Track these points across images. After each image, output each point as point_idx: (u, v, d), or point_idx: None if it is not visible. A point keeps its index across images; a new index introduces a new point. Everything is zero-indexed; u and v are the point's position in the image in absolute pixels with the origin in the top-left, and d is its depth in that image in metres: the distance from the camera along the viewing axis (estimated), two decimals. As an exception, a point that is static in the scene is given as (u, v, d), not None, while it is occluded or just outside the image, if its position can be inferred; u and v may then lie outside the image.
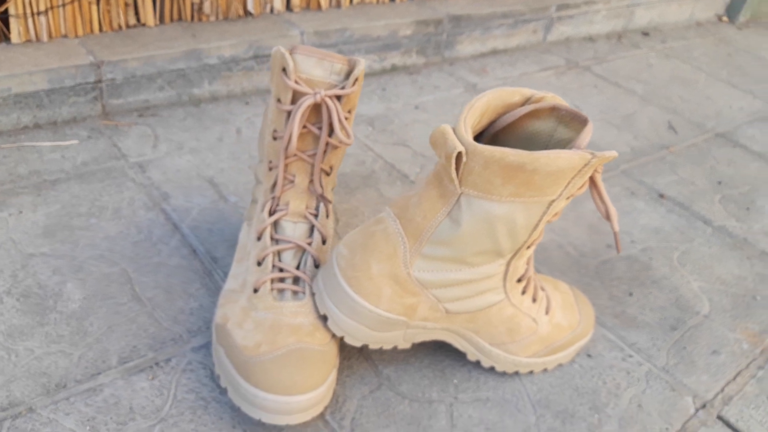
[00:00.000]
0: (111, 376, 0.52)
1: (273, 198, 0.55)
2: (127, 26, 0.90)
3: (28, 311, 0.57)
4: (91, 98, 0.82)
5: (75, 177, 0.73)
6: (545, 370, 0.60)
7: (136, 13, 0.90)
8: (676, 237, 0.81)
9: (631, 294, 0.71)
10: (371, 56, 1.07)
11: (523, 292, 0.53)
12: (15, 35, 0.81)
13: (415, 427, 0.53)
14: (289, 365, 0.47)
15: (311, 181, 0.55)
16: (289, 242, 0.54)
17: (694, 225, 0.84)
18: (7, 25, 0.82)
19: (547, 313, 0.57)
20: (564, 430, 0.55)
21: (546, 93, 0.46)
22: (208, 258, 0.65)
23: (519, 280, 0.52)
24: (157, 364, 0.54)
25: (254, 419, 0.51)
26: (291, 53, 0.52)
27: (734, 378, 0.62)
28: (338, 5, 1.08)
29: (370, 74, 1.09)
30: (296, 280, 0.53)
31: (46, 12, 0.81)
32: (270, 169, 0.56)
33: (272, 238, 0.54)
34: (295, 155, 0.54)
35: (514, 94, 0.45)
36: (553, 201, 0.44)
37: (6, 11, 0.81)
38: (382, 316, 0.49)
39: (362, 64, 0.52)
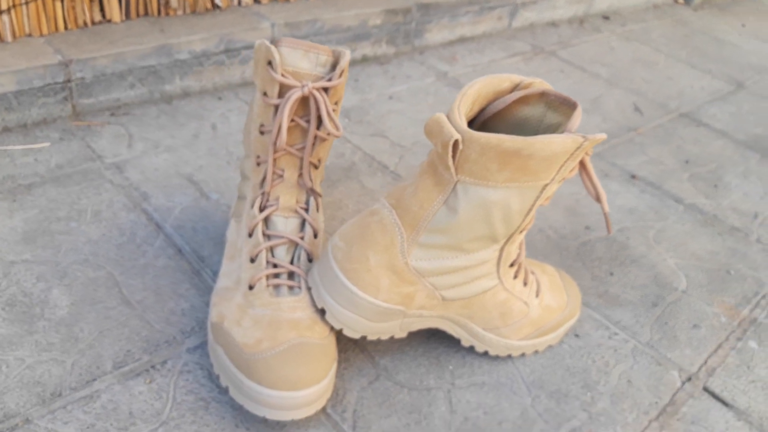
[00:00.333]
0: (107, 382, 0.52)
1: (263, 193, 0.55)
2: (93, 23, 0.88)
3: (15, 320, 0.55)
4: (60, 98, 0.80)
5: (50, 180, 0.71)
6: (536, 352, 0.61)
7: (101, 9, 0.88)
8: (651, 216, 0.84)
9: (612, 273, 0.73)
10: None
11: (515, 276, 0.54)
12: (-24, 36, 0.78)
13: (416, 415, 0.53)
14: (292, 360, 0.47)
15: (300, 175, 0.55)
16: (282, 237, 0.54)
17: (666, 204, 0.87)
18: (-33, 25, 0.79)
19: (537, 295, 0.58)
20: (559, 409, 0.56)
21: (534, 79, 0.47)
22: (195, 257, 0.65)
23: (511, 265, 0.53)
24: (153, 367, 0.53)
25: (258, 417, 0.50)
26: (276, 46, 0.52)
27: (715, 350, 0.65)
28: (306, -3, 1.07)
29: (341, 65, 1.09)
30: (291, 275, 0.53)
31: (8, 11, 0.79)
32: (258, 164, 0.55)
33: (264, 234, 0.54)
34: (284, 149, 0.54)
35: (503, 81, 0.46)
36: (546, 185, 0.45)
37: (-34, 11, 0.78)
38: (380, 307, 0.50)
39: (348, 55, 0.52)
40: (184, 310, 0.59)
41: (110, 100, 0.85)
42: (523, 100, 0.46)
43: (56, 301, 0.58)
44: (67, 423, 0.48)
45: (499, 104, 0.46)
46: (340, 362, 0.57)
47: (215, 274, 0.63)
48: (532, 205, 0.46)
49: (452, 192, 0.45)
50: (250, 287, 0.52)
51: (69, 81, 0.80)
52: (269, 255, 0.53)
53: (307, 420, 0.51)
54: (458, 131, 0.42)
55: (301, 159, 0.55)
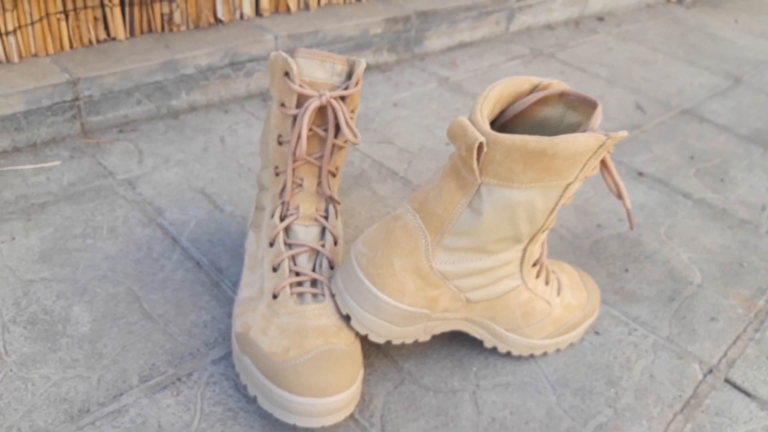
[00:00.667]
0: (134, 396, 0.52)
1: (283, 203, 0.55)
2: (98, 41, 0.88)
3: (38, 338, 0.55)
4: (69, 117, 0.80)
5: (64, 198, 0.72)
6: (558, 350, 0.61)
7: (106, 27, 0.89)
8: (661, 212, 0.84)
9: (627, 270, 0.73)
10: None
11: (537, 276, 0.55)
12: (-17, 57, 0.79)
13: (443, 418, 0.53)
14: (321, 367, 0.47)
15: (319, 184, 0.56)
16: (303, 246, 0.54)
17: (675, 199, 0.87)
18: (-26, 47, 0.79)
19: (558, 294, 0.58)
20: (584, 406, 0.56)
21: (551, 80, 0.47)
22: (213, 269, 0.65)
23: (534, 264, 0.53)
24: (179, 379, 0.53)
25: (288, 425, 0.50)
26: (292, 56, 0.52)
27: (734, 342, 0.65)
28: (307, 8, 1.08)
29: (343, 75, 1.09)
30: (314, 283, 0.54)
31: (14, 31, 0.79)
32: (277, 174, 0.56)
33: (285, 243, 0.54)
34: (303, 159, 0.54)
35: (523, 82, 0.46)
36: (569, 184, 0.45)
37: (-28, 33, 0.78)
38: (406, 311, 0.50)
39: (363, 64, 0.53)
40: (206, 322, 0.59)
41: (118, 116, 0.85)
42: (542, 101, 0.47)
43: (78, 318, 0.58)
44: (99, 439, 0.48)
45: (519, 106, 0.47)
46: (364, 368, 0.57)
47: (235, 285, 0.63)
48: (556, 204, 0.46)
49: (476, 194, 0.45)
50: (274, 296, 0.52)
51: (77, 99, 0.80)
52: (291, 263, 0.54)
53: (336, 426, 0.51)
54: (482, 133, 0.42)
55: (320, 168, 0.55)
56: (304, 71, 0.52)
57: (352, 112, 0.55)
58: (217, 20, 0.98)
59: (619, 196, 0.47)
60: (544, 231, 0.50)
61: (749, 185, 0.93)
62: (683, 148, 1.01)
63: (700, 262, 0.76)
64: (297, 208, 0.55)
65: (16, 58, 0.81)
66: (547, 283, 0.56)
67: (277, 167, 0.56)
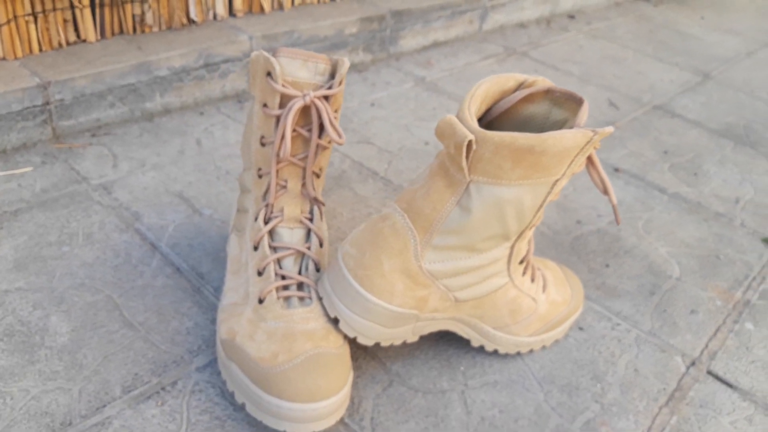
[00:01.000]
0: (117, 407, 0.50)
1: (266, 205, 0.54)
2: (68, 43, 0.86)
3: (15, 350, 0.54)
4: (40, 122, 0.78)
5: (37, 205, 0.69)
6: (544, 347, 0.61)
7: (76, 29, 0.86)
8: (638, 207, 0.85)
9: (607, 265, 0.74)
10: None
11: (524, 273, 0.55)
12: (-52, 61, 0.76)
13: (433, 418, 0.53)
14: (311, 371, 0.47)
15: (303, 185, 0.55)
16: (289, 249, 0.53)
17: (651, 194, 0.89)
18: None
19: (543, 291, 0.58)
20: (572, 402, 0.56)
21: (536, 77, 0.47)
22: (194, 274, 0.64)
23: (521, 262, 0.53)
24: (163, 388, 0.52)
25: (277, 431, 0.50)
26: (274, 56, 0.51)
27: (715, 334, 0.66)
28: (281, 8, 1.06)
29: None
30: (300, 286, 0.53)
31: (-20, 34, 0.77)
32: (260, 176, 0.55)
33: (270, 246, 0.54)
34: (287, 160, 0.53)
35: (508, 80, 0.46)
36: (557, 180, 0.45)
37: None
38: (395, 312, 0.49)
39: (346, 63, 0.52)
40: (188, 328, 0.58)
41: (90, 120, 0.83)
42: (528, 99, 0.47)
43: (56, 328, 0.56)
44: (83, 452, 0.47)
45: (505, 103, 0.47)
46: (353, 371, 0.56)
47: (217, 290, 0.62)
48: (544, 201, 0.46)
49: (465, 192, 0.45)
50: (260, 301, 0.51)
51: (48, 103, 0.78)
52: (277, 267, 0.53)
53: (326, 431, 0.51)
54: (471, 132, 0.42)
55: (304, 169, 0.54)
56: (286, 71, 0.51)
57: (336, 111, 0.54)
58: (190, 21, 0.96)
59: (605, 191, 0.47)
60: (531, 228, 0.50)
61: (722, 179, 0.94)
62: (657, 143, 1.03)
63: (678, 255, 0.77)
64: (281, 210, 0.54)
65: (-18, 62, 0.78)
66: (533, 280, 0.56)
67: (260, 169, 0.55)
